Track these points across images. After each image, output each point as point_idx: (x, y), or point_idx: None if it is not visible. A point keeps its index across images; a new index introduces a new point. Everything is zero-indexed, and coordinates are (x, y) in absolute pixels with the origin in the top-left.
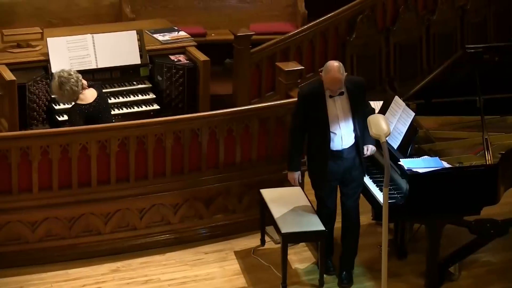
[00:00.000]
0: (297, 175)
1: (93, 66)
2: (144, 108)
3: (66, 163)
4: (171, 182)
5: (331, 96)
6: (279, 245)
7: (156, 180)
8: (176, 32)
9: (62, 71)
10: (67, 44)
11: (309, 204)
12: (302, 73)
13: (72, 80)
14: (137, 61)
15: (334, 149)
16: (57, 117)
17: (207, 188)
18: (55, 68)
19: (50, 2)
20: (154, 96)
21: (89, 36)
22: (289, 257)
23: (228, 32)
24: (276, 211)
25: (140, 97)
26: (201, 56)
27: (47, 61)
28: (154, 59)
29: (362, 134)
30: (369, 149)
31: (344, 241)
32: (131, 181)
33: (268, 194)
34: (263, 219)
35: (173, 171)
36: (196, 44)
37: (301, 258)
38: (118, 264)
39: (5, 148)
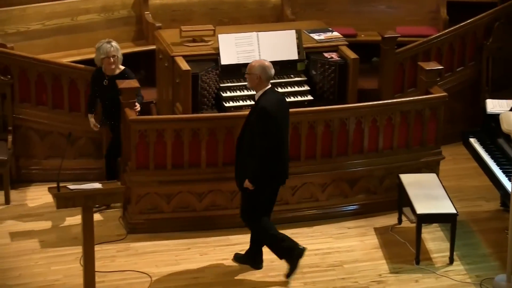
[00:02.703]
0: None
1: None
2: (299, 98)
3: (230, 143)
4: (320, 164)
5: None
6: (414, 225)
7: (308, 161)
8: (330, 33)
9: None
10: (235, 40)
11: (442, 189)
12: (441, 73)
13: None
14: (295, 57)
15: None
16: (224, 103)
17: (352, 171)
18: (224, 60)
19: (222, 3)
20: (309, 88)
21: (254, 33)
22: (422, 235)
23: (376, 34)
24: (413, 194)
25: (296, 88)
26: (351, 54)
27: (218, 54)
28: (310, 56)
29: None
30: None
31: None
32: None
33: (406, 178)
34: (400, 200)
35: (323, 155)
36: (347, 43)
37: (433, 237)
38: None
39: (179, 128)
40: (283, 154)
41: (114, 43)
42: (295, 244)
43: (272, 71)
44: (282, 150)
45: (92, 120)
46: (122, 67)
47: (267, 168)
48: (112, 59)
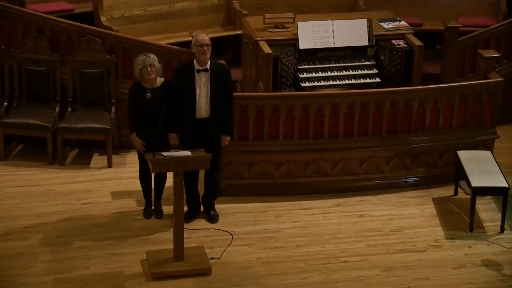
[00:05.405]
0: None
1: (331, 45)
2: (368, 80)
3: (305, 119)
4: (385, 139)
5: (198, 71)
6: (469, 196)
7: (374, 137)
8: (398, 22)
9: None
10: (313, 27)
11: (496, 165)
12: (499, 60)
13: None
14: (366, 43)
15: (196, 116)
16: (301, 83)
17: (414, 146)
18: (302, 45)
19: None
20: (377, 72)
21: (330, 21)
22: (476, 206)
23: (440, 24)
24: (469, 168)
25: (365, 71)
26: (417, 42)
27: (296, 39)
28: (379, 42)
29: (220, 113)
30: (223, 141)
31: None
32: (354, 136)
33: (463, 154)
34: (457, 174)
35: (388, 131)
36: (413, 32)
37: (486, 208)
38: (340, 200)
39: (260, 104)
40: None
41: (151, 55)
42: None
43: None
44: None
45: (138, 139)
46: (162, 79)
47: None
48: (149, 68)
